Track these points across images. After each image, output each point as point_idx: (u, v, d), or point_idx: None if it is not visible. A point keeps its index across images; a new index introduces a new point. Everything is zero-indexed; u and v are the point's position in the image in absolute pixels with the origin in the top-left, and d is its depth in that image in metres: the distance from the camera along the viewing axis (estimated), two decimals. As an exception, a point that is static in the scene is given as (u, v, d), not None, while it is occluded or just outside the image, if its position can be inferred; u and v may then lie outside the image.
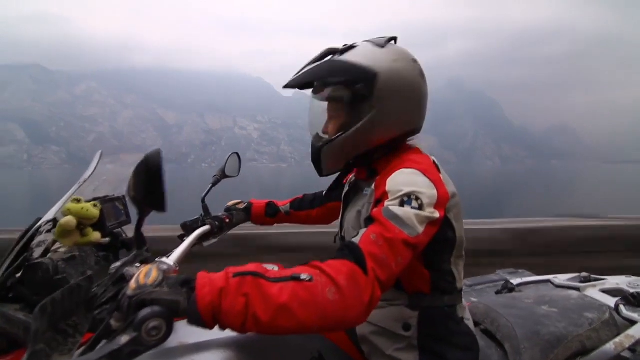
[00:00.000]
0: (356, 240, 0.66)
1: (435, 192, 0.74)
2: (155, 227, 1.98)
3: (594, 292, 1.12)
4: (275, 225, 1.36)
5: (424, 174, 0.76)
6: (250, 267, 0.60)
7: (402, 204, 0.70)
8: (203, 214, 1.17)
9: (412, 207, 0.70)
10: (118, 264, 0.78)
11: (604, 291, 1.11)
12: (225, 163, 1.23)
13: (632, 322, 0.95)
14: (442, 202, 0.74)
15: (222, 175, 1.23)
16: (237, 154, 1.27)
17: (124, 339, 0.50)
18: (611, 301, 1.03)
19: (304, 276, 0.58)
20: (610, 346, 0.89)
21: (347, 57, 0.84)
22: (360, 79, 0.82)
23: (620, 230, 2.52)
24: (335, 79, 0.85)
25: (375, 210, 0.71)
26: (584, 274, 1.23)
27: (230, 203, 1.29)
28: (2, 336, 0.71)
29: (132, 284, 0.55)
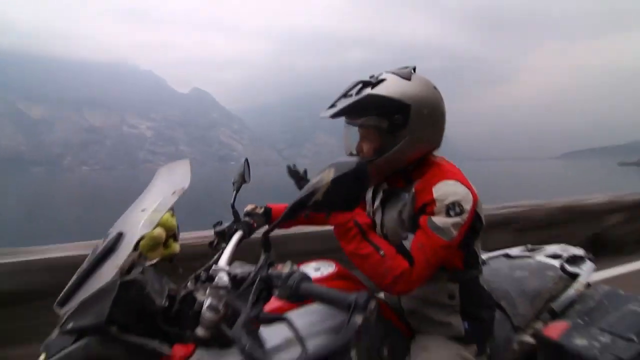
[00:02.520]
0: (408, 245, 0.94)
1: (471, 197, 0.95)
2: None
3: (541, 258, 1.43)
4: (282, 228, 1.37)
5: (462, 183, 0.96)
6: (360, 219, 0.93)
7: (447, 213, 0.92)
8: (234, 220, 1.20)
9: (455, 214, 0.92)
10: (247, 267, 0.84)
11: (547, 256, 1.44)
12: (243, 168, 1.24)
13: (574, 275, 1.32)
14: (475, 203, 0.96)
15: (243, 180, 1.23)
16: (247, 159, 1.29)
17: (357, 319, 0.63)
18: (556, 262, 1.36)
19: (381, 252, 0.91)
20: (571, 291, 1.28)
21: (381, 91, 0.97)
22: (396, 111, 0.97)
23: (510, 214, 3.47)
24: (374, 111, 0.99)
25: (422, 218, 0.94)
26: (529, 245, 1.57)
27: (249, 208, 1.29)
28: None
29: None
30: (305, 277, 0.73)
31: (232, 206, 1.21)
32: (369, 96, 0.98)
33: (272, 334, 0.78)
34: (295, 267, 0.76)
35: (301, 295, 0.71)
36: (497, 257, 1.55)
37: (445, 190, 0.95)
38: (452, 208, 0.92)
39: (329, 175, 0.73)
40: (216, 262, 0.95)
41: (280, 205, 1.35)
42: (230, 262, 0.94)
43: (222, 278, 0.83)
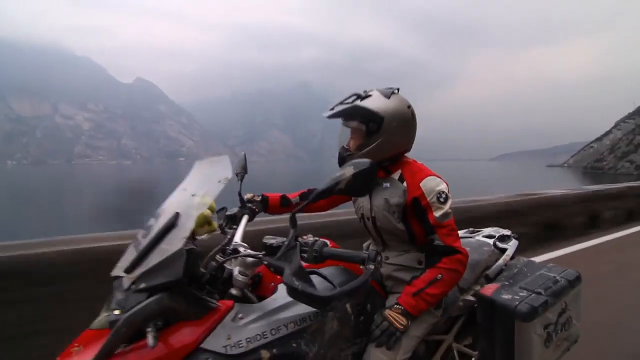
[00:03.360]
0: (439, 243, 1.26)
1: (445, 185, 1.32)
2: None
3: (480, 237, 1.81)
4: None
5: (438, 177, 1.33)
6: (412, 289, 1.22)
7: (439, 201, 1.27)
8: (241, 205, 1.47)
9: (445, 200, 1.28)
10: (278, 239, 1.01)
11: (484, 236, 1.82)
12: (244, 161, 1.48)
13: (503, 250, 1.73)
14: (448, 188, 1.33)
15: (244, 171, 1.47)
16: (245, 153, 1.50)
17: (370, 266, 0.88)
18: (490, 241, 1.76)
19: (439, 276, 1.21)
20: (500, 262, 1.67)
21: (365, 104, 1.32)
22: (373, 120, 1.32)
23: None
24: (358, 117, 1.35)
25: (431, 217, 1.27)
26: (471, 229, 1.93)
27: (249, 196, 1.54)
28: (163, 315, 0.89)
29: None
30: (326, 244, 0.96)
31: (239, 194, 1.46)
32: (355, 106, 1.33)
33: None
34: (316, 238, 0.97)
35: (324, 257, 0.94)
36: None
37: (430, 184, 1.30)
38: (441, 196, 1.28)
39: (350, 170, 0.94)
40: (231, 240, 1.20)
41: (275, 194, 1.64)
42: (242, 239, 1.22)
43: (246, 250, 1.08)
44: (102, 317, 0.91)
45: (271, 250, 0.99)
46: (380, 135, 1.33)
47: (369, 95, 1.35)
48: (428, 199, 1.28)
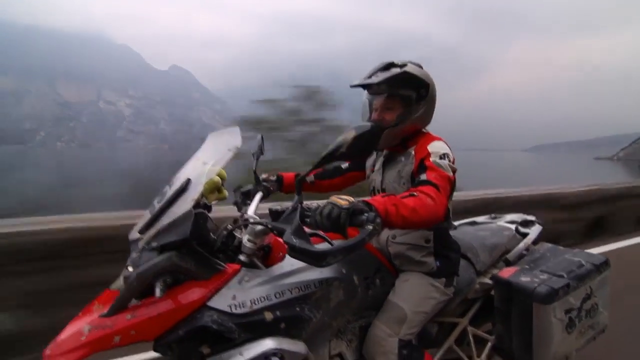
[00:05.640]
0: (424, 178, 1.16)
1: (452, 154, 1.27)
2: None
3: (501, 223, 1.80)
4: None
5: (447, 145, 1.29)
6: (384, 194, 1.04)
7: (441, 159, 1.22)
8: (255, 183, 1.51)
9: (447, 161, 1.23)
10: (285, 204, 1.12)
11: (506, 222, 1.80)
12: (262, 142, 1.50)
13: (525, 235, 1.68)
14: (454, 161, 1.26)
15: (261, 152, 1.49)
16: (262, 135, 1.53)
17: (369, 227, 0.88)
18: (512, 226, 1.73)
19: (415, 193, 1.08)
20: (521, 246, 1.63)
21: (411, 70, 1.30)
22: (423, 86, 1.32)
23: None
24: (409, 84, 1.31)
25: (427, 162, 1.21)
26: (493, 215, 1.95)
27: (264, 175, 1.58)
28: (172, 273, 0.96)
29: (342, 201, 0.91)
30: None
31: (254, 172, 1.49)
32: (405, 72, 1.28)
33: None
34: (320, 203, 0.96)
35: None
36: (466, 223, 1.90)
37: (438, 145, 1.27)
38: (445, 157, 1.23)
39: (351, 134, 0.94)
40: (245, 213, 1.24)
41: (290, 173, 1.65)
42: (255, 213, 1.25)
43: (255, 219, 1.11)
44: (120, 278, 0.97)
45: (276, 215, 1.09)
46: (426, 103, 1.33)
47: (405, 64, 1.32)
48: (431, 157, 1.24)
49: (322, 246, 0.91)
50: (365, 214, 0.91)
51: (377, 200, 0.98)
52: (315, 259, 0.86)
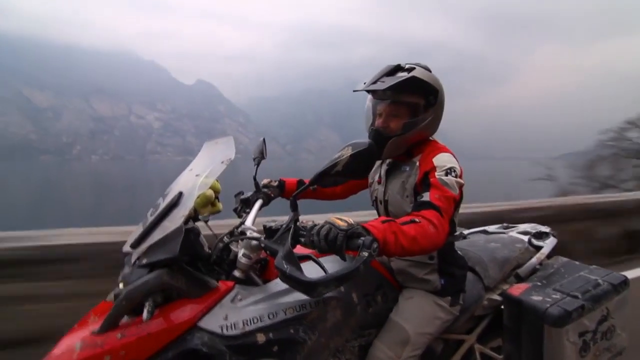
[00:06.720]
0: (427, 199, 1.09)
1: (460, 169, 1.18)
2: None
3: (513, 233, 1.70)
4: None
5: (454, 157, 1.22)
6: (383, 218, 0.97)
7: (447, 174, 1.13)
8: (255, 190, 1.45)
9: (453, 176, 1.14)
10: (275, 221, 1.04)
11: (519, 233, 1.71)
12: (263, 146, 1.45)
13: (539, 248, 1.59)
14: (462, 174, 1.18)
15: (262, 156, 1.44)
16: (264, 139, 1.48)
17: (364, 253, 0.84)
18: (524, 238, 1.64)
19: (416, 220, 1.00)
20: (533, 260, 1.54)
21: (420, 75, 1.20)
22: (432, 93, 1.23)
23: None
24: (417, 90, 1.22)
25: (431, 178, 1.13)
26: (504, 224, 1.85)
27: (265, 181, 1.52)
28: (163, 291, 0.94)
29: (340, 222, 0.88)
30: None
31: (254, 178, 1.44)
32: (414, 77, 1.20)
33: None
34: (317, 222, 0.93)
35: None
36: (476, 232, 1.82)
37: (443, 159, 1.19)
38: (451, 172, 1.15)
39: (348, 152, 0.91)
40: (243, 223, 1.18)
41: (292, 179, 1.59)
42: (253, 223, 1.20)
43: (252, 233, 1.07)
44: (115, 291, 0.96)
45: (270, 232, 1.00)
46: (434, 111, 1.25)
47: (413, 68, 1.23)
48: (436, 172, 1.16)
49: (314, 268, 0.88)
50: (362, 239, 0.87)
51: (376, 226, 0.92)
52: (305, 289, 0.82)
